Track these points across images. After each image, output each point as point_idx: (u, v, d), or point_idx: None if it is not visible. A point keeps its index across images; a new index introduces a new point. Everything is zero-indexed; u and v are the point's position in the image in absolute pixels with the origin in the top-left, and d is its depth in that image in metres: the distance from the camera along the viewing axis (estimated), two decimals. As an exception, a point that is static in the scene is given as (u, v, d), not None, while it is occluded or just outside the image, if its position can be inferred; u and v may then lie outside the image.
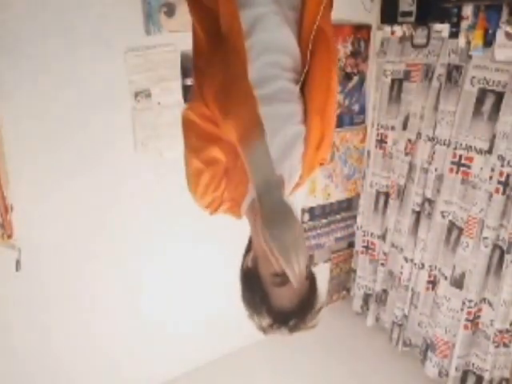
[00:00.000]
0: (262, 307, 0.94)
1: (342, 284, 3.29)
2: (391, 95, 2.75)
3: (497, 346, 2.28)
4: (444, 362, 2.55)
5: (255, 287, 0.95)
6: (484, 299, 2.35)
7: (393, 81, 2.72)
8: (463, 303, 2.38)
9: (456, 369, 2.47)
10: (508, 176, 2.13)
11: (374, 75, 2.89)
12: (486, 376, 2.36)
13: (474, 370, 2.45)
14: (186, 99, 2.19)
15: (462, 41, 2.25)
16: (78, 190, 2.04)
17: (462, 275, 2.38)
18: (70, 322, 2.17)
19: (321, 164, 1.21)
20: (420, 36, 2.51)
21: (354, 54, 2.81)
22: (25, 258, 1.89)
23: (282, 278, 0.91)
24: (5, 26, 1.74)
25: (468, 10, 2.19)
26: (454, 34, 2.29)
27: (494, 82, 2.17)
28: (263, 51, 1.03)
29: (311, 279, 0.97)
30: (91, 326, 2.24)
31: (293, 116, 1.06)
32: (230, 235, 2.29)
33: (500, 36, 2.08)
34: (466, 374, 2.49)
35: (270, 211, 0.85)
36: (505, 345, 2.29)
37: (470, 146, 2.30)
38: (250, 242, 1.05)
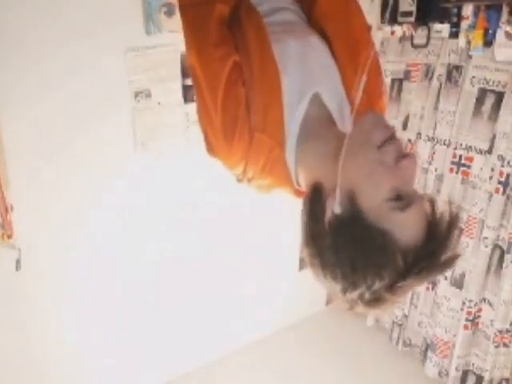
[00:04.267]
0: (389, 254, 0.66)
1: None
2: (391, 95, 2.74)
3: (497, 346, 2.28)
4: (444, 362, 2.55)
5: (367, 231, 0.67)
6: (484, 299, 2.35)
7: (393, 81, 2.72)
8: (463, 303, 2.38)
9: (456, 369, 2.47)
10: (508, 176, 2.13)
11: (374, 75, 2.88)
12: (486, 376, 2.36)
13: (474, 370, 2.45)
14: (186, 99, 2.19)
15: (462, 41, 2.26)
16: (78, 189, 2.04)
17: (462, 275, 2.38)
18: (70, 321, 2.17)
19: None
20: (420, 36, 2.51)
21: (354, 54, 2.81)
22: (25, 258, 1.89)
23: (407, 198, 0.68)
24: (5, 26, 1.75)
25: (468, 10, 2.20)
26: (454, 34, 2.30)
27: (493, 82, 2.17)
28: None
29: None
30: (92, 326, 2.24)
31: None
32: (231, 235, 2.30)
33: (500, 36, 2.08)
34: (465, 373, 2.49)
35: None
36: (505, 345, 2.29)
37: (470, 146, 2.30)
38: (316, 188, 0.76)
